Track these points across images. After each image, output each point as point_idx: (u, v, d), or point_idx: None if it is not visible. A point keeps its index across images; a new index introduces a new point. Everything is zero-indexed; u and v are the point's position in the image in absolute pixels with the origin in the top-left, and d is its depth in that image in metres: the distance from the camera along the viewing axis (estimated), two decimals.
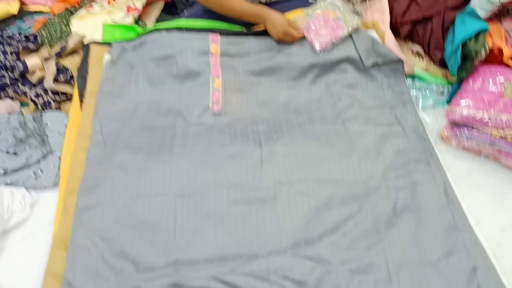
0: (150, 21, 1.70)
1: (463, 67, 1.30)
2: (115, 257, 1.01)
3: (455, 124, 1.25)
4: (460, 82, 1.32)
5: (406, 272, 0.98)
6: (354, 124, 1.28)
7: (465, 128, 1.22)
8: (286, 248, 1.01)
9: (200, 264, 0.99)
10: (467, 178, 1.20)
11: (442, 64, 1.42)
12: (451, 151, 1.27)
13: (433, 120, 1.33)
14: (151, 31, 1.47)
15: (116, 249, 1.02)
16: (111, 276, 0.98)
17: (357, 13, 1.53)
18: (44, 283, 0.98)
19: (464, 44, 1.29)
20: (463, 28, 1.30)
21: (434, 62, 1.43)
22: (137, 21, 1.66)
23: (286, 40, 1.42)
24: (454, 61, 1.32)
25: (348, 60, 1.39)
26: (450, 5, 1.37)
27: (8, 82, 1.35)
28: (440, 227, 1.06)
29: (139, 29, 1.54)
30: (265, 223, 1.06)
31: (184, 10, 1.74)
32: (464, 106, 1.21)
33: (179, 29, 1.45)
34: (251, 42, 1.45)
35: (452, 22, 1.35)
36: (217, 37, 1.42)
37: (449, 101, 1.35)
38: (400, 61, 1.38)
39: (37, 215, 1.13)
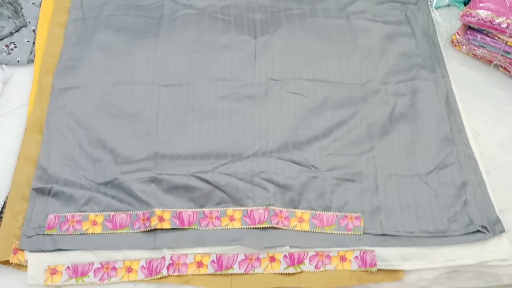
0: None
1: None
2: (92, 146, 0.95)
3: (469, 29, 1.14)
4: None
5: (393, 182, 0.95)
6: (359, 19, 1.16)
7: (479, 34, 1.11)
8: (272, 150, 0.96)
9: (181, 160, 0.94)
10: (472, 88, 1.12)
11: None
12: (460, 57, 1.17)
13: (445, 21, 1.22)
14: None
15: (94, 137, 0.96)
16: (88, 165, 0.94)
17: None
18: (16, 166, 0.93)
19: None
20: None
21: None
22: None
23: None
24: None
25: None
26: None
27: None
28: (436, 139, 1.00)
29: None
30: (253, 121, 1.00)
31: None
32: (483, 9, 1.09)
33: None
34: None
35: None
36: None
37: (466, 2, 1.22)
38: None
39: (10, 93, 1.05)
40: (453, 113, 1.04)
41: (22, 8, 1.13)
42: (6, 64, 1.08)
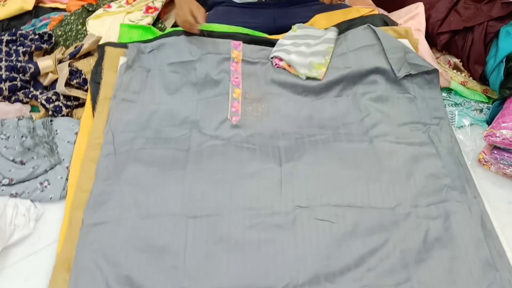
0: (169, 22, 1.63)
1: (506, 84, 1.20)
2: (120, 284, 0.94)
3: (495, 148, 1.15)
4: (502, 100, 1.22)
5: None
6: (383, 142, 1.19)
7: (506, 153, 1.12)
8: (304, 282, 0.94)
9: None
10: (507, 208, 1.10)
11: (483, 79, 1.31)
12: (490, 176, 1.17)
13: (470, 140, 1.23)
14: (169, 33, 1.41)
15: (122, 274, 0.96)
16: None
17: None
18: None
19: (508, 59, 1.18)
20: (508, 41, 1.19)
21: (473, 77, 1.32)
22: (156, 21, 1.59)
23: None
24: (496, 77, 1.21)
25: (378, 71, 1.30)
26: (494, 15, 1.26)
27: (19, 85, 1.30)
28: (476, 265, 0.96)
29: (157, 31, 1.48)
30: (282, 252, 0.99)
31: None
32: (506, 129, 1.11)
33: (200, 33, 1.38)
34: None
35: (496, 34, 1.24)
36: (239, 44, 1.35)
37: (489, 121, 1.25)
38: (435, 71, 1.28)
39: (41, 230, 1.07)
40: (490, 236, 1.01)
41: (57, 146, 1.20)
42: (39, 201, 1.12)
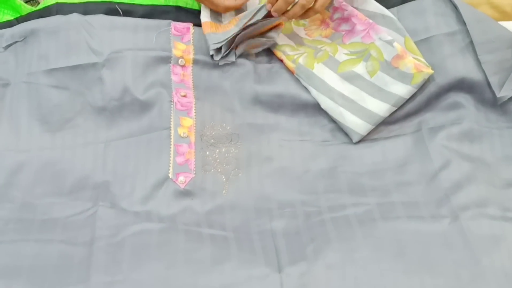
0: None
1: None
2: None
3: None
4: None
5: None
6: (478, 220, 1.21)
7: None
8: None
9: None
10: None
11: None
12: None
13: None
14: (47, 9, 1.44)
15: None
16: None
17: None
18: None
19: None
20: None
21: None
22: None
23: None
24: None
25: (462, 85, 1.36)
26: None
27: None
28: None
29: (24, 5, 1.50)
30: None
31: None
32: None
33: (107, 8, 1.42)
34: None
35: None
36: (187, 29, 1.38)
37: None
38: None
39: None
40: None
41: None
42: None
